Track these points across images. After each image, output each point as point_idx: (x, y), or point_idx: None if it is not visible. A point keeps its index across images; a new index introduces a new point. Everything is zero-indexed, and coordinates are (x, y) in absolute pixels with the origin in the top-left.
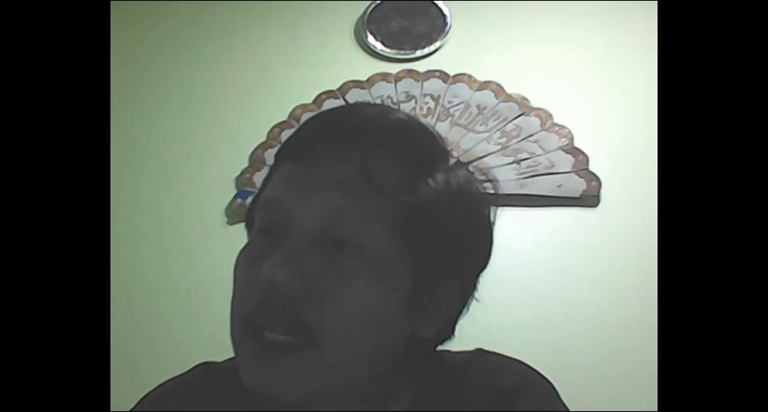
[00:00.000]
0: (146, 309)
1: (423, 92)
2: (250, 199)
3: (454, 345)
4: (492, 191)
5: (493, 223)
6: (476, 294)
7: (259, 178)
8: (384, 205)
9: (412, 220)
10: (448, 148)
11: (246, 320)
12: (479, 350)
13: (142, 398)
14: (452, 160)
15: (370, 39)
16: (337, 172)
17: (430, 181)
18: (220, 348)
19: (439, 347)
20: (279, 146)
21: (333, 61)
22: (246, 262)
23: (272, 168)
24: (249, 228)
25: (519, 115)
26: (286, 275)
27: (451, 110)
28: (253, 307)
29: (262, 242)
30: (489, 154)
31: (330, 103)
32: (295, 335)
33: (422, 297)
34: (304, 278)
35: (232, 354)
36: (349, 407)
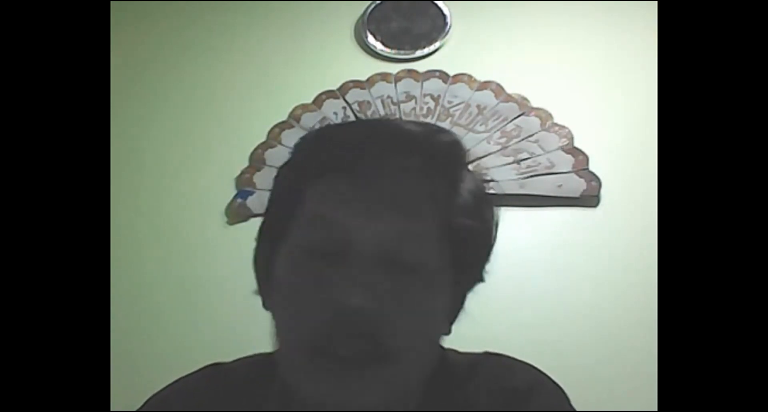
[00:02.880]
0: (146, 309)
1: (423, 92)
2: (250, 200)
3: (455, 346)
4: (493, 192)
5: (497, 223)
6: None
7: (259, 178)
8: (436, 224)
9: (455, 235)
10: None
11: (316, 344)
12: (487, 353)
13: (150, 398)
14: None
15: (370, 39)
16: (398, 192)
17: (466, 195)
18: (220, 348)
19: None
20: (308, 154)
21: (333, 61)
22: (303, 285)
23: (302, 179)
24: (271, 237)
25: (519, 115)
26: (361, 300)
27: (451, 110)
28: (325, 332)
29: (319, 264)
30: (489, 154)
31: (330, 103)
32: (367, 355)
33: (456, 305)
34: (376, 302)
35: (232, 354)
36: None
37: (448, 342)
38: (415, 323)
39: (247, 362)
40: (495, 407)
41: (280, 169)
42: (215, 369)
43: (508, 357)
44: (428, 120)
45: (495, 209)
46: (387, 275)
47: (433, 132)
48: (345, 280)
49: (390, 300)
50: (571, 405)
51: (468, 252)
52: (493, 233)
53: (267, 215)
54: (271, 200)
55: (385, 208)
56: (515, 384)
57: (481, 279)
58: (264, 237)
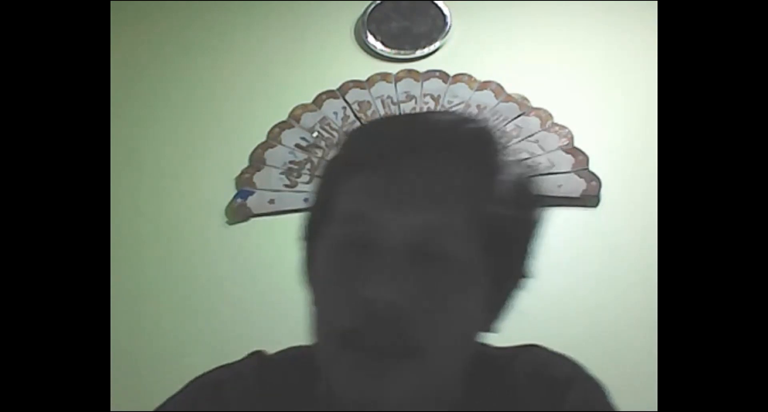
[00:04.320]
0: (146, 309)
1: (423, 92)
2: (250, 199)
3: None
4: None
5: (541, 215)
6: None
7: (259, 178)
8: (470, 216)
9: (493, 227)
10: None
11: (346, 337)
12: (525, 345)
13: (191, 383)
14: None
15: (370, 39)
16: (428, 185)
17: (504, 186)
18: (220, 348)
19: None
20: (341, 153)
21: (333, 61)
22: (335, 278)
23: (338, 176)
24: (309, 237)
25: (519, 115)
26: (392, 294)
27: (451, 110)
28: (355, 325)
29: (349, 258)
30: None
31: (330, 103)
32: (397, 348)
33: (497, 298)
34: (407, 296)
35: (233, 354)
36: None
37: None
38: (444, 317)
39: (292, 355)
40: (535, 396)
41: (323, 167)
42: (260, 357)
43: (547, 349)
44: None
45: (539, 200)
46: (416, 268)
47: (463, 121)
48: (375, 273)
49: (419, 294)
50: (611, 400)
51: (503, 243)
52: (535, 225)
53: (307, 212)
54: (312, 199)
55: (412, 200)
56: (556, 375)
57: (524, 274)
58: (304, 234)
